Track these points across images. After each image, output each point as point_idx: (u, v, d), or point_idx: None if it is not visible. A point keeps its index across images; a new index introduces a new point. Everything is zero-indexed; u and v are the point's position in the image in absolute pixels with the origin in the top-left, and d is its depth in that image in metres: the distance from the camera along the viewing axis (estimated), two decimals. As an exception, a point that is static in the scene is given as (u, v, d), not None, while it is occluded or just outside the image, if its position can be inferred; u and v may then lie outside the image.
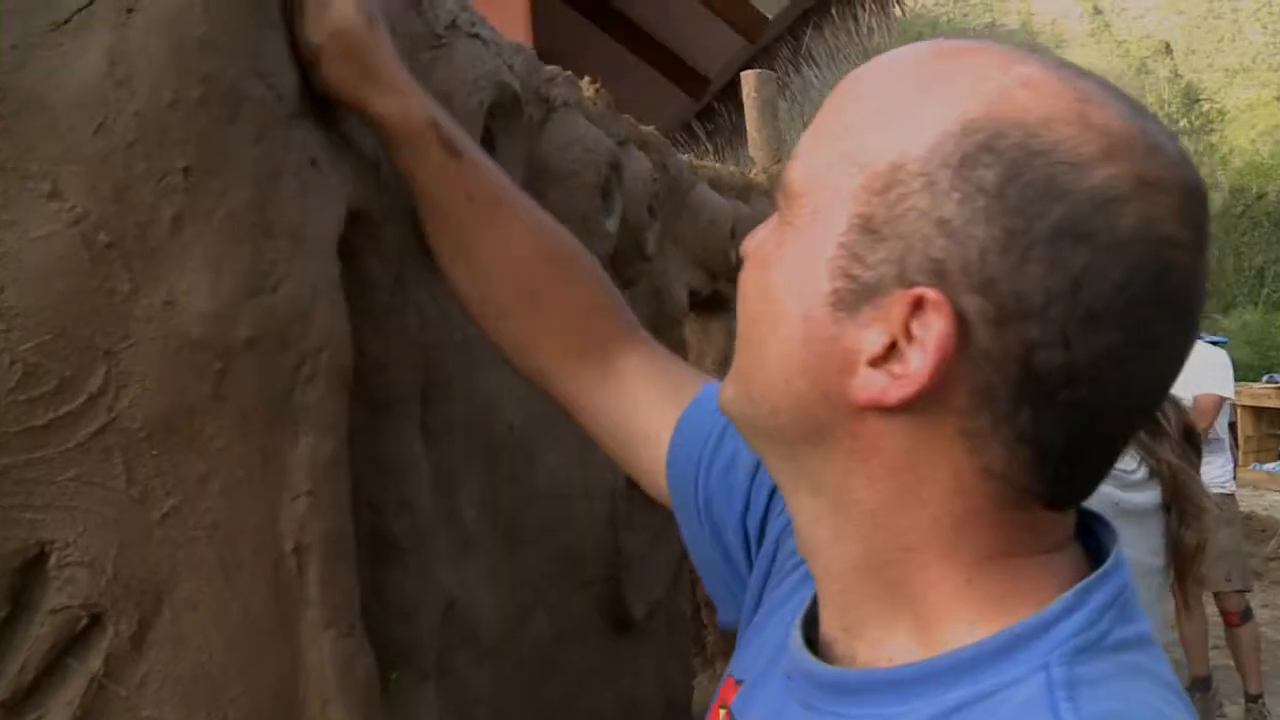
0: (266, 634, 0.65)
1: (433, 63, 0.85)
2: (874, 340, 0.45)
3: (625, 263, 1.29)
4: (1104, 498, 1.33)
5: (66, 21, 0.55)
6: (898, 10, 4.58)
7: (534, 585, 1.13)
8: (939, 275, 0.43)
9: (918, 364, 0.44)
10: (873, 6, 4.55)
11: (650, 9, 5.02)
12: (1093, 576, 0.47)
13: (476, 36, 0.91)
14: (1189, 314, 0.45)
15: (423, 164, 0.75)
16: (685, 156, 1.67)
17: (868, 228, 0.45)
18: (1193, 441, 1.42)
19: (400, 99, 0.73)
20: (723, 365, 1.85)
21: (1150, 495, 1.44)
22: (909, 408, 0.45)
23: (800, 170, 0.50)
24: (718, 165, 1.89)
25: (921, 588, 0.48)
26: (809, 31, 5.20)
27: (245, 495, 0.63)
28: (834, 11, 4.77)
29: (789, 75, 5.72)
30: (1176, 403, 1.50)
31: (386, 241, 0.77)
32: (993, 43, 0.48)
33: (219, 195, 0.60)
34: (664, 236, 1.48)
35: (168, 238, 0.59)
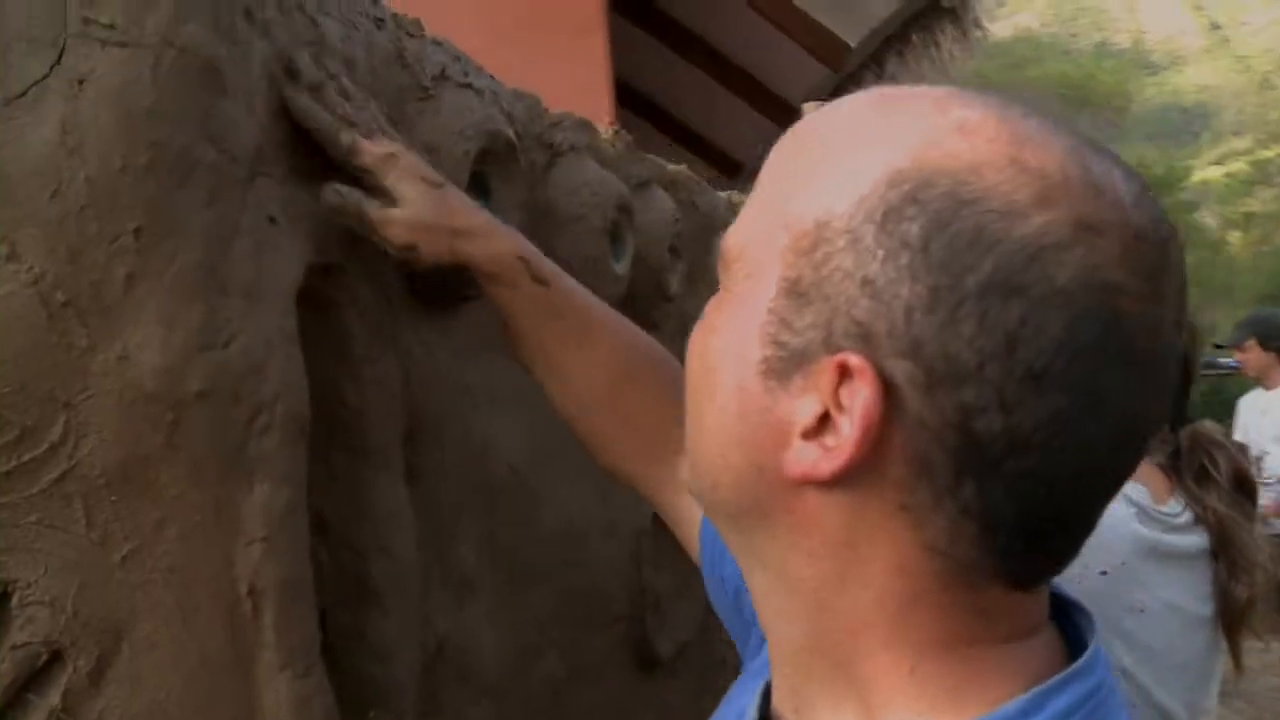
0: (223, 674, 0.67)
1: (419, 114, 0.88)
2: (806, 410, 0.43)
3: (647, 304, 1.29)
4: (1142, 541, 1.26)
5: (22, 95, 0.59)
6: (979, 34, 4.50)
7: (544, 624, 1.14)
8: (864, 339, 0.41)
9: (847, 434, 0.41)
10: (953, 32, 4.48)
11: (734, 39, 5.05)
12: (1059, 676, 0.43)
13: (468, 86, 0.93)
14: (1150, 366, 0.41)
15: (515, 296, 0.81)
16: (725, 194, 1.67)
17: (795, 291, 0.43)
18: (1245, 489, 1.34)
19: (487, 243, 0.80)
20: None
21: (1196, 539, 1.35)
22: (845, 482, 0.42)
23: (735, 234, 0.48)
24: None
25: (867, 673, 0.44)
26: (892, 58, 5.15)
27: (201, 540, 0.66)
28: (915, 38, 4.71)
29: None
30: (1226, 447, 1.41)
31: (362, 293, 0.80)
32: (943, 87, 0.45)
33: (170, 255, 0.63)
34: (695, 276, 1.49)
35: (121, 296, 0.62)
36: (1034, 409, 0.39)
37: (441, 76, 0.91)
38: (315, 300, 0.78)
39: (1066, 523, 0.43)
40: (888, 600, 0.43)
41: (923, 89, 0.45)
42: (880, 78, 5.51)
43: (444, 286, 0.96)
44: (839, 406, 0.42)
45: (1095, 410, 0.40)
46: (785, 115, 5.50)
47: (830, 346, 0.42)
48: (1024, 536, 0.42)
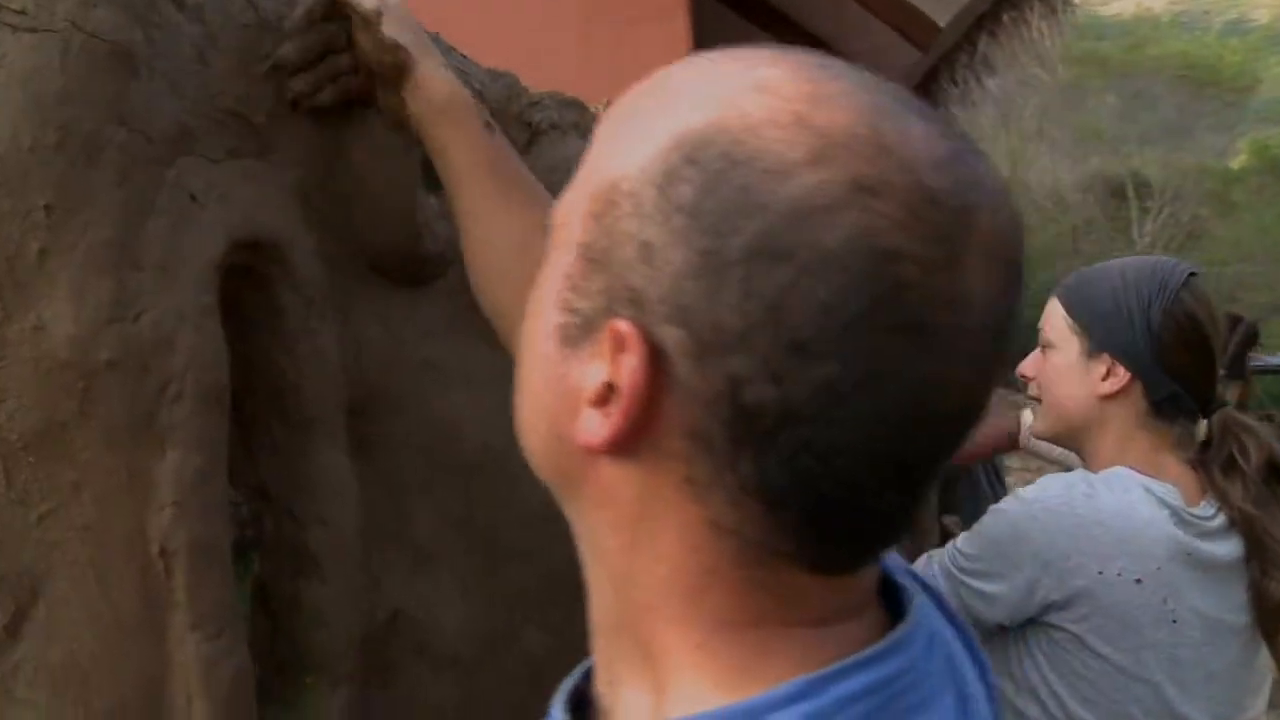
0: (136, 632, 0.70)
1: (372, 97, 0.90)
2: (594, 378, 0.41)
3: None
4: (1178, 546, 1.18)
5: (-64, 80, 0.62)
6: (1070, 11, 4.33)
7: (523, 602, 1.15)
8: (638, 305, 0.40)
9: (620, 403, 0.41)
10: (1041, 9, 4.31)
11: (826, 22, 4.97)
12: (848, 661, 0.41)
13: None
14: (948, 341, 0.38)
15: (462, 132, 0.82)
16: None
17: (587, 256, 0.42)
18: (1278, 478, 1.25)
19: (450, 75, 0.84)
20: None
21: (1233, 545, 1.26)
22: (631, 453, 0.41)
23: (560, 201, 0.48)
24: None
25: (660, 648, 0.43)
26: (983, 37, 4.99)
27: (115, 503, 0.69)
28: (1006, 17, 4.55)
29: (969, 84, 5.52)
30: (1258, 433, 1.30)
31: (298, 268, 0.82)
32: (771, 48, 0.43)
33: (81, 231, 0.66)
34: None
35: (35, 269, 0.65)
36: (803, 380, 0.37)
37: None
38: (252, 275, 0.81)
39: (862, 507, 0.41)
40: (680, 576, 0.42)
41: (747, 50, 0.43)
42: (973, 58, 5.36)
43: (409, 266, 0.98)
44: (620, 374, 0.41)
45: (873, 385, 0.38)
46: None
47: (610, 313, 0.41)
48: (814, 518, 0.40)
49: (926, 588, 0.54)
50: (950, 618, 0.53)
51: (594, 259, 0.42)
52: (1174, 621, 1.18)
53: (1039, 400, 1.36)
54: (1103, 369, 1.26)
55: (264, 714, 0.85)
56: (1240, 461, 1.24)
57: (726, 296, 0.38)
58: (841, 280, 0.37)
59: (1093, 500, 1.18)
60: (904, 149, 0.38)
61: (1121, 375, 1.25)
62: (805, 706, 0.39)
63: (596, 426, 0.41)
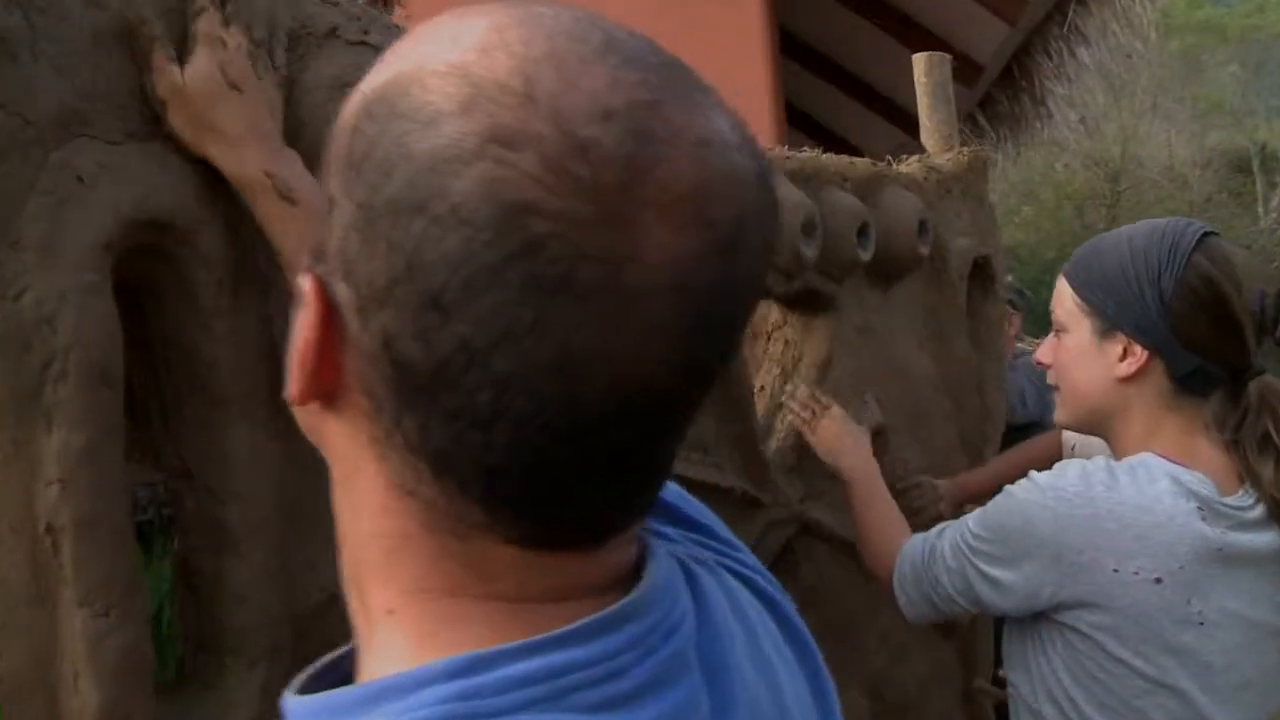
0: (25, 606, 0.72)
1: (300, 66, 0.90)
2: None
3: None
4: (1206, 543, 1.08)
5: None
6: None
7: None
8: (320, 259, 0.40)
9: None
10: (1128, -24, 4.09)
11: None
12: (521, 642, 0.39)
13: (363, 44, 0.94)
14: (597, 302, 0.35)
15: (259, 208, 0.83)
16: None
17: (325, 210, 0.42)
18: None
19: (237, 152, 0.82)
20: (823, 368, 1.76)
21: (1274, 537, 1.16)
22: (336, 410, 0.41)
23: None
24: (824, 156, 1.78)
25: (369, 608, 0.43)
26: (1073, 6, 4.78)
27: (3, 479, 0.71)
28: (1094, -15, 4.35)
29: (1062, 56, 5.30)
30: None
31: (206, 247, 0.82)
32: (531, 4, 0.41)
33: (-44, 212, 0.67)
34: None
35: (-89, 250, 0.67)
36: (441, 339, 0.36)
37: (331, 34, 0.92)
38: (164, 256, 0.81)
39: (547, 486, 0.38)
40: (374, 537, 0.42)
41: (491, 4, 0.41)
42: (1063, 28, 5.14)
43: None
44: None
45: (512, 346, 0.35)
46: (971, 74, 5.21)
47: (308, 269, 0.40)
48: (493, 490, 0.38)
49: (741, 571, 0.51)
50: (771, 605, 0.50)
51: (314, 215, 0.42)
52: (1201, 624, 1.09)
53: (1057, 388, 1.27)
54: (1119, 349, 1.15)
55: (186, 695, 0.86)
56: (1276, 438, 1.13)
57: (377, 250, 0.37)
58: (469, 234, 0.35)
59: (1112, 491, 1.07)
60: (560, 99, 0.36)
61: (1139, 354, 1.14)
62: (461, 684, 0.37)
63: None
